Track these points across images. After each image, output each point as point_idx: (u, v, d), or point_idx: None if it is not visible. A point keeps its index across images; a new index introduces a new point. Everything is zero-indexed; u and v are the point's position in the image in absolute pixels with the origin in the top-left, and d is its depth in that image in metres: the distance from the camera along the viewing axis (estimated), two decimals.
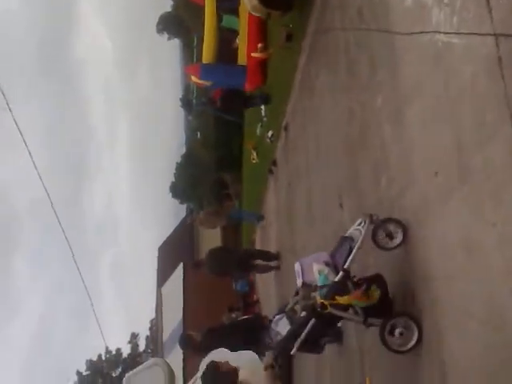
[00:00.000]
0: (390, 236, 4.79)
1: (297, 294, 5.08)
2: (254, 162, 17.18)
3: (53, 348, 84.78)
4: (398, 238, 4.75)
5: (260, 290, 16.56)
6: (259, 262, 12.05)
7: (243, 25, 13.79)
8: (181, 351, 14.97)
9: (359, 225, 4.86)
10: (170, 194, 38.70)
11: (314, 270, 4.83)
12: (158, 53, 75.31)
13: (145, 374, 8.02)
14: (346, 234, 4.98)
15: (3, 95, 9.83)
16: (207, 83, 14.79)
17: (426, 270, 4.35)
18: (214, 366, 4.71)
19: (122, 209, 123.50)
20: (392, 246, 4.82)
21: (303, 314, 4.84)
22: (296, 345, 4.81)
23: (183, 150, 41.28)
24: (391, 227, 4.78)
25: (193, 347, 6.95)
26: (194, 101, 21.45)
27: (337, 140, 7.17)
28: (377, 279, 4.72)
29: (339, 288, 4.59)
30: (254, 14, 11.65)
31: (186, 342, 7.01)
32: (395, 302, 4.71)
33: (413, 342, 4.44)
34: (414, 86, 4.73)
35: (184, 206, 37.24)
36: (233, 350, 7.36)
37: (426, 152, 4.44)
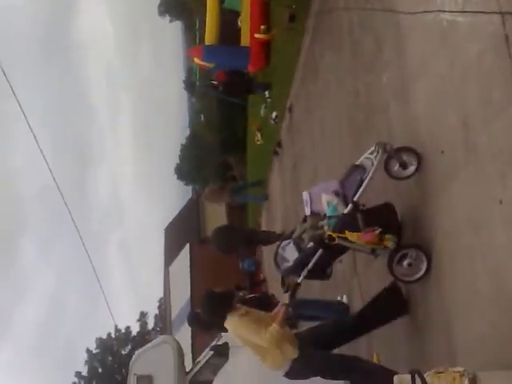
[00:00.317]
0: (404, 166, 4.62)
1: (304, 220, 4.88)
2: (258, 143, 17.13)
3: (63, 327, 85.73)
4: (412, 168, 4.59)
5: (266, 269, 16.67)
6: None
7: (246, 6, 13.70)
8: (189, 329, 15.17)
9: (371, 154, 4.60)
10: (175, 175, 38.85)
11: (323, 200, 4.66)
12: (159, 35, 74.82)
13: (154, 351, 8.12)
14: (357, 162, 4.74)
15: (7, 80, 9.78)
16: (210, 65, 14.76)
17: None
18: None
19: (128, 191, 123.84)
20: (405, 175, 4.66)
21: (311, 244, 4.68)
22: (303, 274, 4.74)
23: (187, 132, 41.29)
24: (405, 156, 4.61)
25: (201, 325, 7.01)
26: (197, 82, 21.39)
27: (342, 121, 7.18)
28: (387, 209, 4.60)
29: (348, 222, 4.47)
30: None
31: (194, 320, 7.07)
32: (405, 232, 4.62)
33: (421, 273, 4.43)
34: (420, 64, 4.73)
35: (189, 188, 37.36)
36: None
37: (432, 131, 4.46)
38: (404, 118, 5.04)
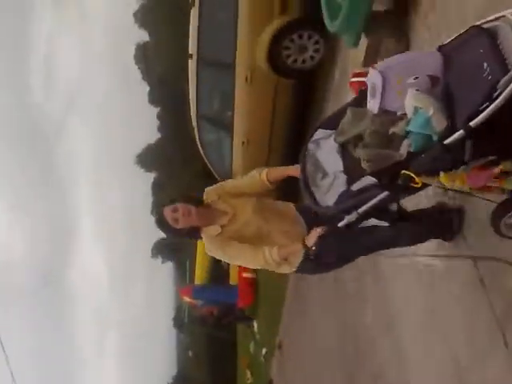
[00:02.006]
0: None
1: (363, 95, 2.90)
2: (248, 382, 16.84)
3: None
4: None
5: None
6: None
7: None
8: None
9: None
10: None
11: (408, 98, 2.54)
12: (152, 275, 78.11)
13: None
14: (484, 25, 2.52)
15: None
16: (199, 302, 15.68)
17: None
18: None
19: None
20: None
21: (370, 180, 2.67)
22: (348, 218, 2.82)
23: (174, 371, 40.37)
24: None
25: None
26: (185, 319, 21.79)
27: (334, 358, 7.13)
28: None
29: (450, 162, 2.46)
30: None
31: None
32: None
33: None
34: (403, 302, 4.90)
35: None
36: None
37: (422, 365, 4.44)
38: (394, 352, 5.04)
